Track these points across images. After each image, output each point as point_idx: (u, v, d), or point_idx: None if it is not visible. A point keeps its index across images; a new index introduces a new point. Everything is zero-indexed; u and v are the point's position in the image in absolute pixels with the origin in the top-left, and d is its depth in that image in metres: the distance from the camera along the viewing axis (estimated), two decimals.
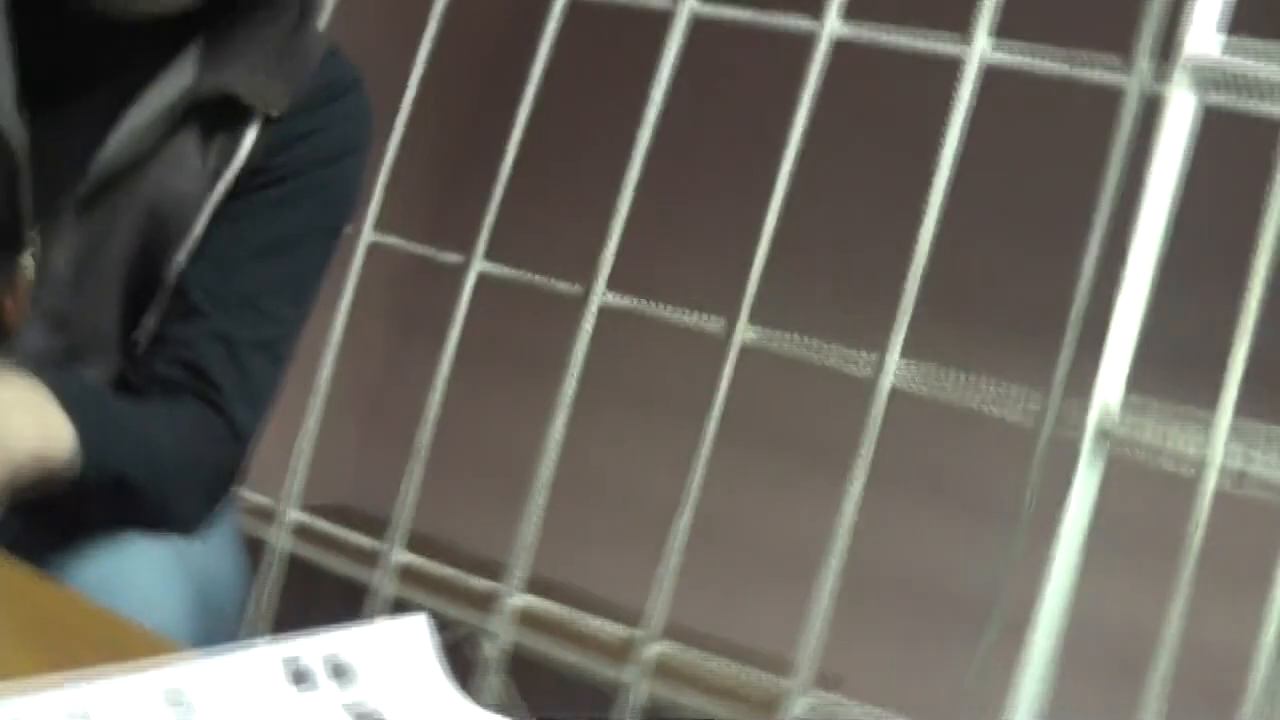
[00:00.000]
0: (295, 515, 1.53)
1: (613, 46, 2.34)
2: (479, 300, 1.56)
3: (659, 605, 1.32)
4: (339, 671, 0.48)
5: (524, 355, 2.42)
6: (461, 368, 1.53)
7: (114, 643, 0.57)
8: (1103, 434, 1.14)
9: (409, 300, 3.20)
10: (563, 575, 2.16)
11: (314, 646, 0.49)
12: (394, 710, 0.49)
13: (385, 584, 1.46)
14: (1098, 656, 2.17)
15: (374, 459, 3.26)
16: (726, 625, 2.44)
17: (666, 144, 1.47)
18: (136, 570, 0.79)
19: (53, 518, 0.77)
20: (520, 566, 1.41)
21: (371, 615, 1.45)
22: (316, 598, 3.19)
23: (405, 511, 1.46)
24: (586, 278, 1.41)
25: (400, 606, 1.64)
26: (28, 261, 0.89)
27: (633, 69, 1.52)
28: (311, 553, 2.61)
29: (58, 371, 0.84)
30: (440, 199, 3.06)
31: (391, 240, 1.56)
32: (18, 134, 0.86)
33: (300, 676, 0.47)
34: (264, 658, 0.47)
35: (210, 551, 0.91)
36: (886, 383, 1.25)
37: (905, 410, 1.34)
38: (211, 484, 0.92)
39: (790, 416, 2.66)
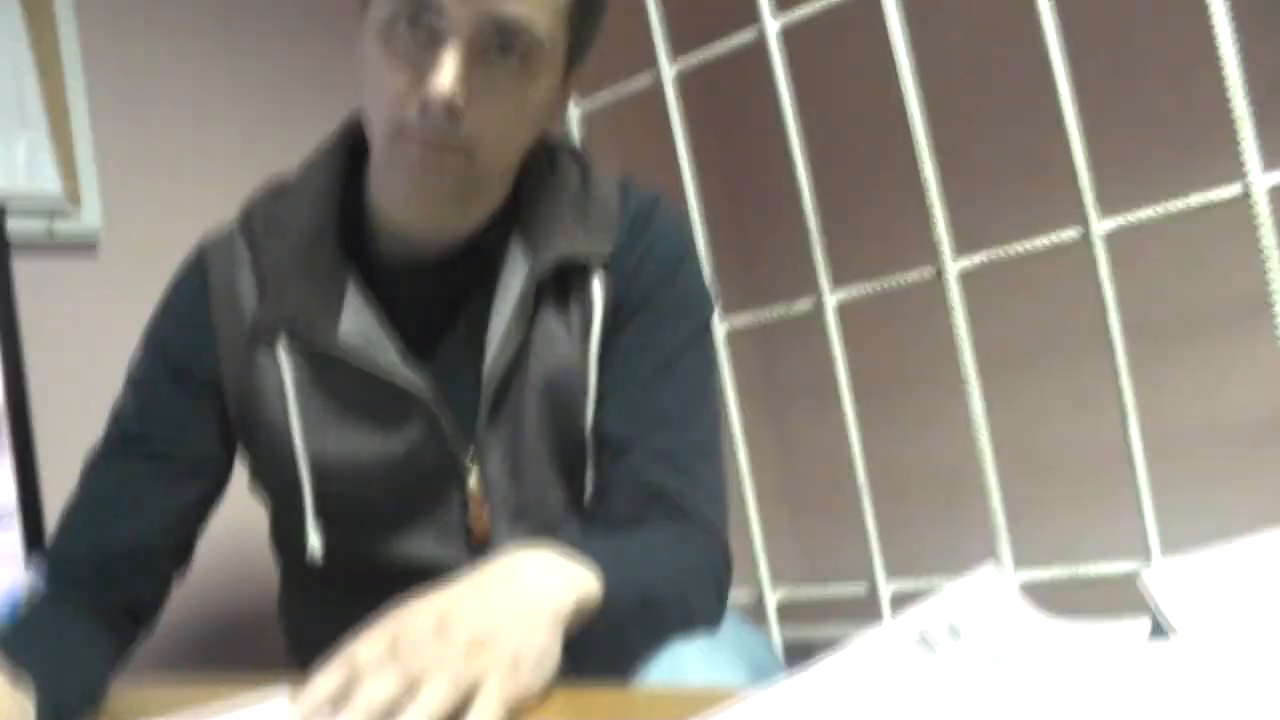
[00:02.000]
0: (779, 594, 1.59)
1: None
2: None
3: None
4: (954, 631, 0.53)
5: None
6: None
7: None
8: None
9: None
10: None
11: (933, 615, 0.53)
12: (1010, 652, 0.53)
13: (888, 618, 1.48)
14: None
15: (803, 528, 3.33)
16: None
17: None
18: (692, 666, 0.82)
19: (596, 658, 0.80)
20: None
21: None
22: None
23: (875, 542, 1.49)
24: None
25: None
26: (473, 482, 1.01)
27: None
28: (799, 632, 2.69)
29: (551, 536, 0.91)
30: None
31: (744, 319, 1.62)
32: (417, 382, 0.98)
33: (928, 644, 0.52)
34: (897, 636, 0.52)
35: (738, 635, 0.96)
36: None
37: None
38: (717, 580, 0.97)
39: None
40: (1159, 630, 0.53)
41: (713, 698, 0.65)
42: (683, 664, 0.82)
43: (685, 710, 0.61)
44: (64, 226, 1.55)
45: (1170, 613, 0.51)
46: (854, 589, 1.53)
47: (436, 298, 1.03)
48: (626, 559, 0.85)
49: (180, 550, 1.05)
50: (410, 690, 0.64)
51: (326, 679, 0.66)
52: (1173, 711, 0.41)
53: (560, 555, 0.80)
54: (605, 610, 0.80)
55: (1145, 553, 1.27)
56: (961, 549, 2.92)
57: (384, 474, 1.00)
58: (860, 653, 0.51)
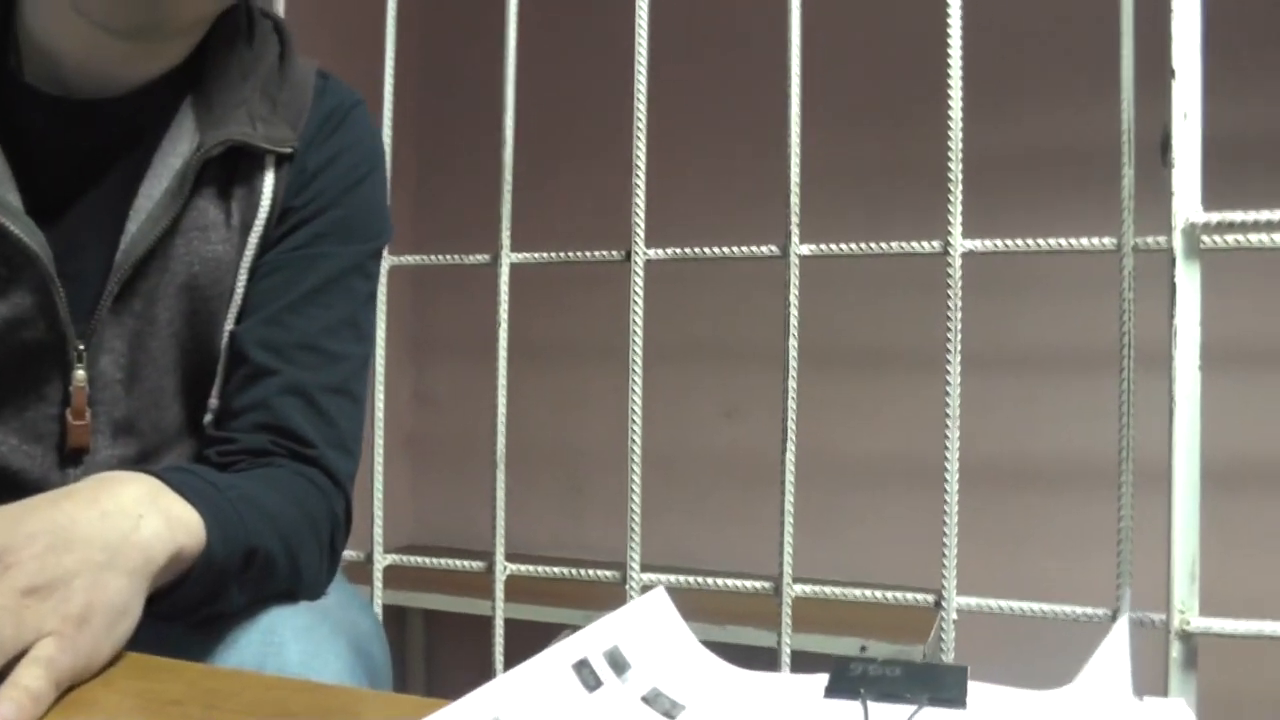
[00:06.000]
0: (388, 560, 1.49)
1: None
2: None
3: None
4: (617, 663, 0.46)
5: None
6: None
7: (317, 706, 0.52)
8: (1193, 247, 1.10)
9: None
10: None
11: (592, 642, 0.46)
12: (673, 687, 0.47)
13: (499, 601, 1.42)
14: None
15: (422, 488, 3.24)
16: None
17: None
18: (289, 640, 0.74)
19: (186, 613, 0.72)
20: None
21: (491, 638, 1.41)
22: (407, 639, 3.20)
23: (501, 522, 1.42)
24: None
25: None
26: (80, 375, 0.85)
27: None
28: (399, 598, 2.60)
29: (153, 466, 0.80)
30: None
31: (409, 260, 1.51)
32: (39, 240, 0.81)
33: (589, 678, 0.45)
34: (554, 665, 0.45)
35: (344, 606, 0.87)
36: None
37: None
38: (332, 540, 0.88)
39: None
40: (836, 690, 0.48)
41: (308, 690, 0.57)
42: (279, 640, 0.73)
43: (278, 701, 0.52)
44: None
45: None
46: (472, 564, 1.45)
47: (82, 148, 0.86)
48: (238, 505, 0.74)
49: None
50: None
51: None
52: None
53: (164, 488, 0.67)
54: (204, 563, 0.68)
55: (777, 576, 1.28)
56: (586, 538, 2.95)
57: None
58: (514, 687, 0.43)
